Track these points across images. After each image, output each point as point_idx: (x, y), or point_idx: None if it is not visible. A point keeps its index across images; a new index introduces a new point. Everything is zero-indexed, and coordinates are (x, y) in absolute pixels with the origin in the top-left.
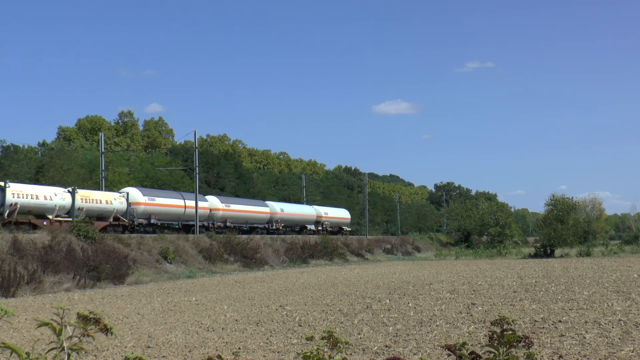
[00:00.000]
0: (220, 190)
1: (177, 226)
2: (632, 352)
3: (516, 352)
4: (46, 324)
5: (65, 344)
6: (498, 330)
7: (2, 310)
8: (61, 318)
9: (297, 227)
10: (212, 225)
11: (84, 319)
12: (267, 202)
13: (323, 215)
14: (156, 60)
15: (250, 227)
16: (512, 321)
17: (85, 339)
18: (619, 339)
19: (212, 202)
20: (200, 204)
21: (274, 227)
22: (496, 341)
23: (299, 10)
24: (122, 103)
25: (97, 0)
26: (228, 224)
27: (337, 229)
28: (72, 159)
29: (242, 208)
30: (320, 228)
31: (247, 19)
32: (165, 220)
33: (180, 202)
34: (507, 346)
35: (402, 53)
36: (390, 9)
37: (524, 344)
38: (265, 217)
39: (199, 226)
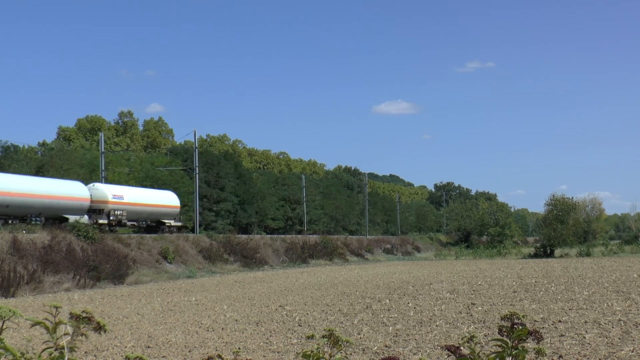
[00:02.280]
0: (219, 191)
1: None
2: (632, 352)
3: (524, 347)
4: (39, 323)
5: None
6: (508, 324)
7: (10, 311)
8: (54, 317)
9: (37, 217)
10: None
11: (76, 318)
12: None
13: (110, 200)
14: (156, 60)
15: None
16: (523, 316)
17: (79, 337)
18: (619, 338)
19: None
20: None
21: None
22: (505, 334)
23: (299, 10)
24: (122, 103)
25: (98, 1)
26: None
27: (148, 222)
28: (72, 159)
29: None
30: (106, 221)
31: (247, 19)
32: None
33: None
34: (517, 341)
35: (402, 53)
36: (390, 9)
37: (533, 337)
38: None
39: None
